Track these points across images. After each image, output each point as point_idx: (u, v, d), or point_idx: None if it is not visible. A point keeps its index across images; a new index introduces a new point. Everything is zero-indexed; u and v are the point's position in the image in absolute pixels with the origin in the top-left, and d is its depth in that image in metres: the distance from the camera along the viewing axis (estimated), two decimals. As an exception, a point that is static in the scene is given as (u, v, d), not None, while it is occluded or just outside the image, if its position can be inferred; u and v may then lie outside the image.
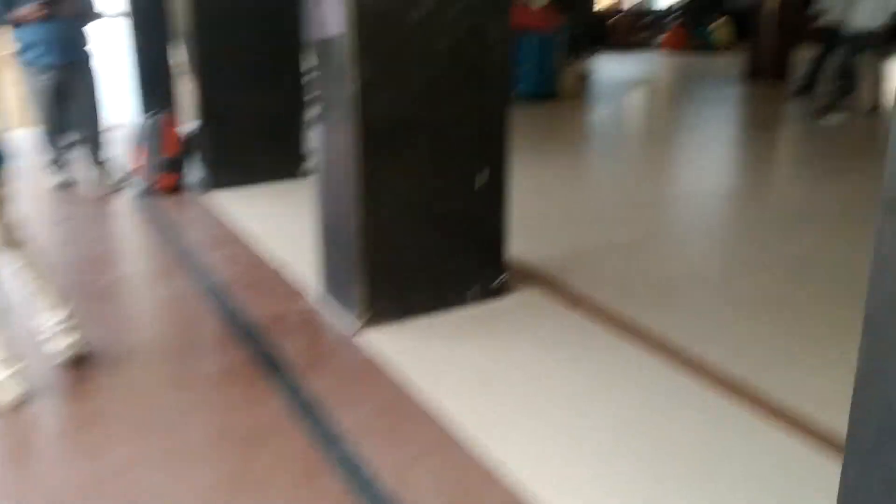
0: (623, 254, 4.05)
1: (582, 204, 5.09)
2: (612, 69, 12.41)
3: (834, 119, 7.81)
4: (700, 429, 2.38)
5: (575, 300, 3.38)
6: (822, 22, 8.09)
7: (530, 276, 3.64)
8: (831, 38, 7.86)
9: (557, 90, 9.07)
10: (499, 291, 3.35)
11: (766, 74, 10.64)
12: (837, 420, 2.28)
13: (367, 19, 2.74)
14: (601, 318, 3.20)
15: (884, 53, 7.62)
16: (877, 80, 8.06)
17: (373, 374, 2.74)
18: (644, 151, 6.91)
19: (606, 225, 4.59)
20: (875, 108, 8.01)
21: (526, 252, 3.85)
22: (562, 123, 8.15)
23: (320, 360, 2.89)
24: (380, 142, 2.88)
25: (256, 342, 2.98)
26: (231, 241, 4.25)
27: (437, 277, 3.17)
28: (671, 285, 3.62)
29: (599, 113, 8.91)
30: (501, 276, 3.34)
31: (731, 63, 12.97)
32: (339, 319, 3.17)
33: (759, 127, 8.02)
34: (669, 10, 15.91)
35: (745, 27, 12.66)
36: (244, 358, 2.85)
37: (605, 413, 2.47)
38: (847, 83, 7.68)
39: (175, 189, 5.18)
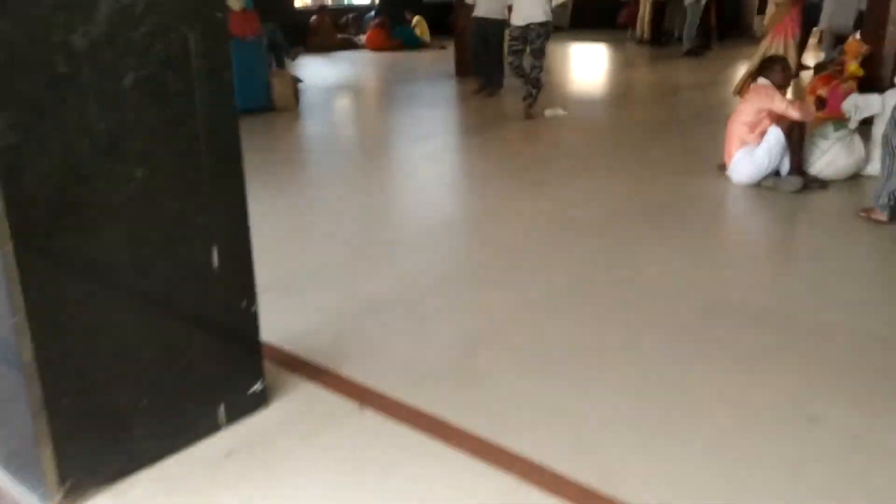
0: (393, 312, 3.36)
1: (324, 248, 4.32)
2: (319, 73, 11.72)
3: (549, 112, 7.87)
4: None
5: (358, 393, 2.62)
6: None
7: (293, 366, 2.81)
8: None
9: (271, 101, 8.16)
10: (259, 402, 2.48)
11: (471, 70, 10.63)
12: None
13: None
14: (396, 413, 2.48)
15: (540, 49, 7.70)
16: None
17: None
18: (372, 168, 6.27)
19: (357, 273, 3.87)
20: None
21: (279, 331, 3.00)
22: (282, 141, 7.27)
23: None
24: (43, 232, 1.88)
25: None
26: None
27: (166, 406, 2.23)
28: (462, 350, 3.00)
29: (318, 124, 8.16)
30: (257, 384, 2.47)
31: (436, 59, 12.92)
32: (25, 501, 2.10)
33: (474, 129, 7.75)
34: (368, 8, 15.59)
35: (442, 23, 12.69)
36: None
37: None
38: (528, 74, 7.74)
39: None
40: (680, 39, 13.14)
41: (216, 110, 2.17)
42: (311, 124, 8.18)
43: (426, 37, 14.85)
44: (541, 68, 7.66)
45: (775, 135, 5.10)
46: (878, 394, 2.65)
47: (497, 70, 9.18)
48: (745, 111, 5.23)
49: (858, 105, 5.34)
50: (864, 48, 7.31)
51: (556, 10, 17.20)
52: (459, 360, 2.92)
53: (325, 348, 2.99)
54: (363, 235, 4.47)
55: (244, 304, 2.38)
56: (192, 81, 2.09)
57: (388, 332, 3.17)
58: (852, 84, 7.24)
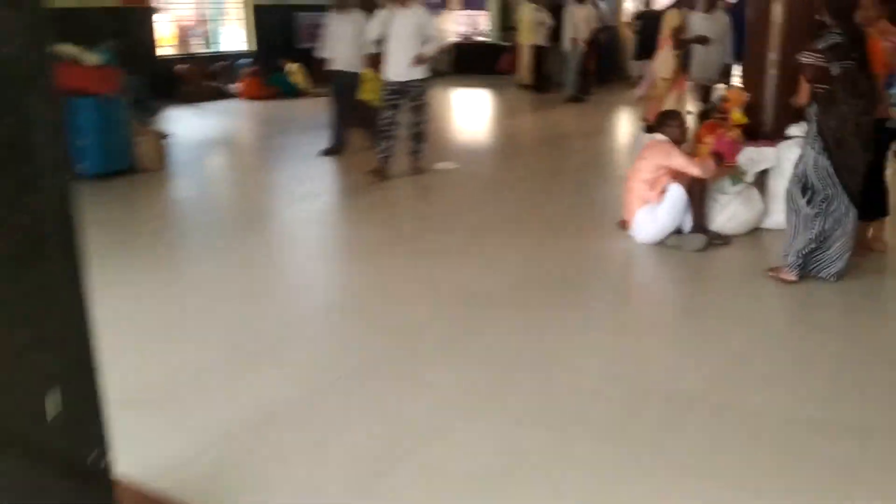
0: (282, 425, 2.83)
1: (198, 345, 3.71)
2: (188, 127, 10.96)
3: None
4: None
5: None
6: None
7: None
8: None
9: (134, 162, 7.40)
10: None
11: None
12: None
13: None
14: None
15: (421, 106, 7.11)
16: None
17: None
18: (249, 238, 5.66)
19: (237, 377, 3.31)
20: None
21: (143, 462, 2.40)
22: (147, 209, 6.54)
23: None
24: None
25: None
26: None
27: None
28: (368, 470, 2.50)
29: (187, 186, 7.47)
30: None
31: (315, 108, 12.42)
32: None
33: (359, 188, 7.18)
34: (241, 55, 14.93)
35: (321, 69, 12.19)
36: None
37: None
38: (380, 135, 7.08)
39: None
40: (561, 85, 13.22)
41: (52, 203, 1.61)
42: (180, 186, 7.48)
43: (304, 84, 14.32)
44: (425, 122, 7.25)
45: (676, 192, 4.90)
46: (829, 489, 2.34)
47: (343, 128, 8.27)
48: (645, 168, 5.02)
49: (754, 158, 5.24)
50: (745, 96, 7.38)
51: (437, 56, 17.20)
52: (365, 483, 2.43)
53: (200, 481, 2.46)
54: (243, 327, 3.88)
55: (92, 456, 1.81)
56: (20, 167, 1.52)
57: (278, 453, 2.65)
58: (737, 132, 7.28)
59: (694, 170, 4.85)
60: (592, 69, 13.61)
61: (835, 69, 3.93)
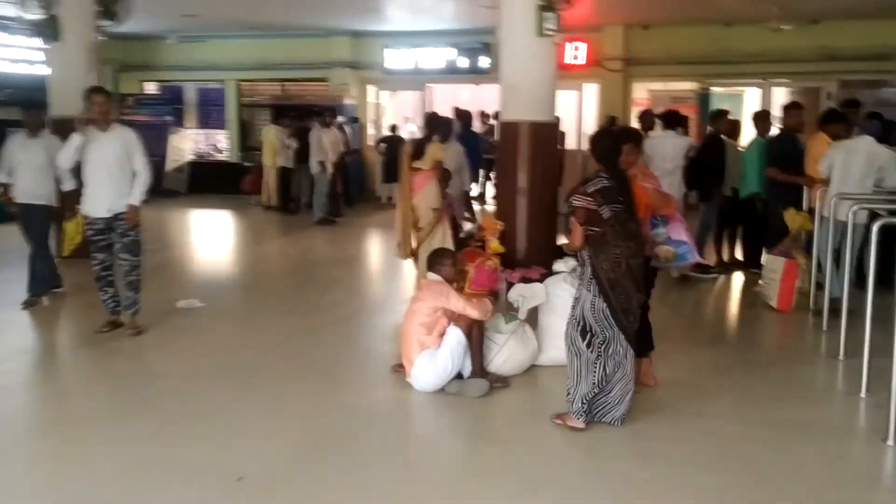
0: None
1: None
2: None
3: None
4: None
5: None
6: None
7: None
8: None
9: None
10: None
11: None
12: None
13: None
14: None
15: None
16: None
17: None
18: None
19: None
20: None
21: None
22: None
23: None
24: None
25: None
26: None
27: None
28: None
29: None
30: None
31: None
32: None
33: (72, 351, 6.15)
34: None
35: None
36: None
37: None
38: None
39: None
40: (309, 206, 12.92)
41: None
42: None
43: None
44: (138, 265, 5.94)
45: (455, 336, 4.64)
46: None
47: (48, 270, 6.95)
48: (420, 311, 4.71)
49: (524, 295, 5.17)
50: (499, 224, 7.51)
51: (171, 175, 16.16)
52: None
53: None
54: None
55: None
56: None
57: None
58: (496, 261, 7.34)
59: (473, 312, 4.63)
60: (341, 191, 13.52)
61: (605, 212, 3.94)
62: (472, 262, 7.33)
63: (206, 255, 10.38)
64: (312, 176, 12.38)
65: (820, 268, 6.64)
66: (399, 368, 4.91)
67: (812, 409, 4.58)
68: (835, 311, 6.12)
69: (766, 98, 14.01)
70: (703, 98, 14.49)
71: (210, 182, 16.37)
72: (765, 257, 6.98)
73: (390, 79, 15.78)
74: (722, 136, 8.47)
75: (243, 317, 6.83)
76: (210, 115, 18.21)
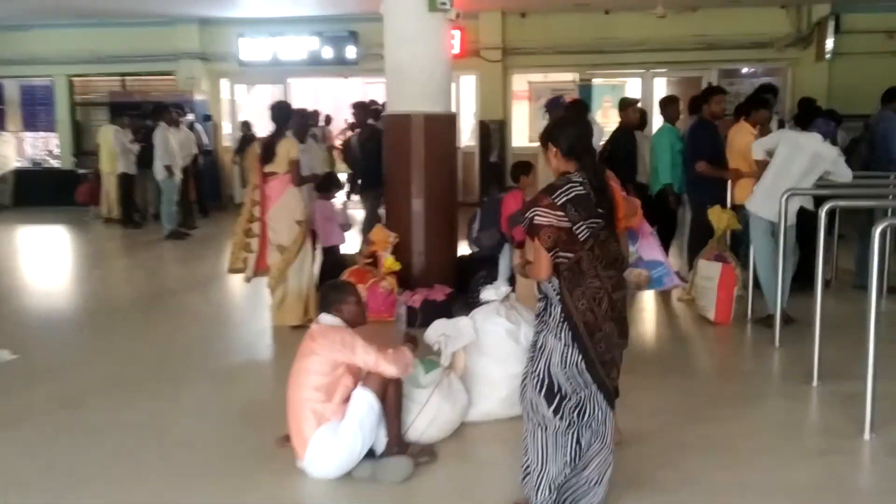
0: None
1: None
2: None
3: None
4: None
5: None
6: None
7: None
8: None
9: None
10: None
11: None
12: None
13: None
14: None
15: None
16: None
17: None
18: None
19: None
20: None
21: None
22: None
23: None
24: None
25: None
26: None
27: None
28: None
29: None
30: None
31: None
32: None
33: None
34: None
35: None
36: None
37: None
38: None
39: None
40: (157, 217, 11.18)
41: None
42: None
43: None
44: None
45: (366, 401, 3.40)
46: None
47: None
48: (314, 369, 3.43)
49: (448, 334, 3.96)
50: (393, 237, 6.30)
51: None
52: None
53: None
54: None
55: None
56: None
57: None
58: (391, 281, 6.12)
59: (388, 368, 3.40)
60: (194, 199, 11.85)
61: (582, 230, 2.83)
62: (363, 283, 6.10)
63: (31, 284, 8.49)
64: (158, 183, 10.64)
65: (756, 273, 5.89)
66: (287, 441, 3.61)
67: (818, 464, 3.68)
68: (785, 321, 5.42)
69: (648, 88, 13.56)
70: (585, 90, 13.86)
71: (40, 192, 14.17)
72: (700, 263, 6.13)
73: (246, 72, 14.13)
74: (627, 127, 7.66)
75: (67, 374, 5.10)
76: (37, 115, 15.83)
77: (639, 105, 8.01)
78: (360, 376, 3.49)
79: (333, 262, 6.68)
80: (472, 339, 3.98)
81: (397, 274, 6.14)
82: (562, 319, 2.89)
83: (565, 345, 2.90)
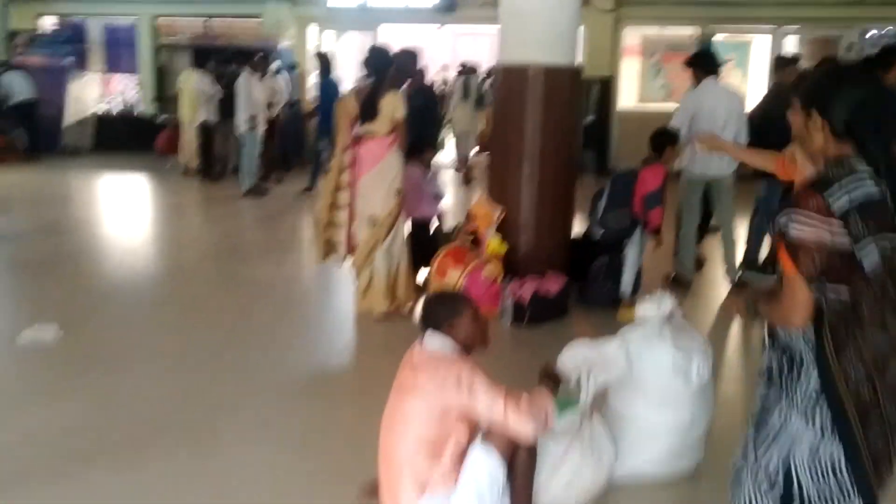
0: None
1: None
2: None
3: None
4: None
5: None
6: None
7: None
8: None
9: None
10: None
11: None
12: None
13: None
14: None
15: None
16: None
17: None
18: None
19: None
20: None
21: None
22: None
23: None
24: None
25: None
26: None
27: None
28: None
29: None
30: None
31: None
32: None
33: None
34: None
35: None
36: None
37: None
38: None
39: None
40: (236, 171, 10.45)
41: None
42: None
43: None
44: None
45: (488, 469, 2.41)
46: None
47: None
48: (415, 416, 2.45)
49: (591, 360, 2.93)
50: (499, 211, 5.28)
51: (69, 128, 13.36)
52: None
53: None
54: None
55: None
56: None
57: None
58: (497, 267, 5.11)
59: (522, 426, 2.40)
60: (276, 154, 11.06)
61: (868, 256, 1.74)
62: (460, 266, 5.13)
63: (96, 243, 7.81)
64: (240, 135, 9.84)
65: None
66: (373, 495, 2.68)
67: None
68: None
69: (777, 47, 12.00)
70: (705, 47, 12.39)
71: (120, 137, 13.69)
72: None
73: (334, 17, 13.16)
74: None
75: (107, 365, 4.28)
76: (120, 57, 15.31)
77: (799, 64, 6.67)
78: (476, 424, 2.51)
79: (424, 240, 5.67)
80: (622, 371, 2.95)
81: (503, 258, 5.13)
82: (818, 394, 1.83)
83: (819, 433, 1.84)
